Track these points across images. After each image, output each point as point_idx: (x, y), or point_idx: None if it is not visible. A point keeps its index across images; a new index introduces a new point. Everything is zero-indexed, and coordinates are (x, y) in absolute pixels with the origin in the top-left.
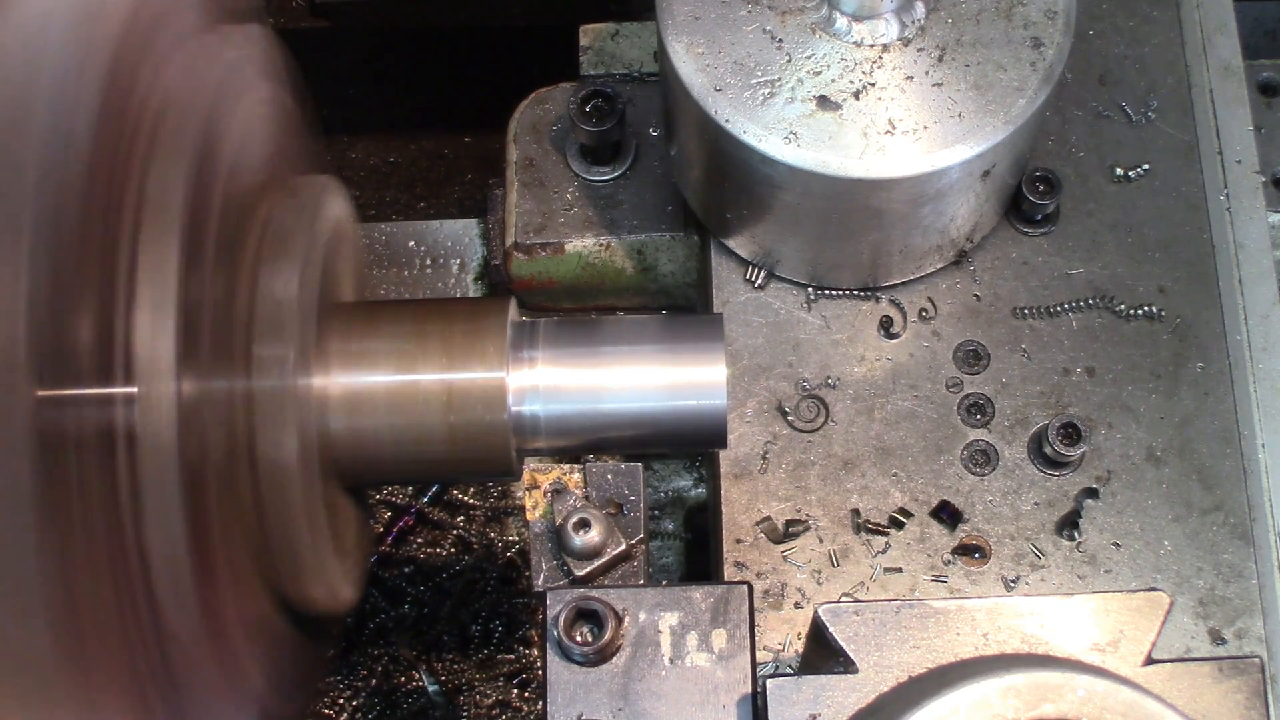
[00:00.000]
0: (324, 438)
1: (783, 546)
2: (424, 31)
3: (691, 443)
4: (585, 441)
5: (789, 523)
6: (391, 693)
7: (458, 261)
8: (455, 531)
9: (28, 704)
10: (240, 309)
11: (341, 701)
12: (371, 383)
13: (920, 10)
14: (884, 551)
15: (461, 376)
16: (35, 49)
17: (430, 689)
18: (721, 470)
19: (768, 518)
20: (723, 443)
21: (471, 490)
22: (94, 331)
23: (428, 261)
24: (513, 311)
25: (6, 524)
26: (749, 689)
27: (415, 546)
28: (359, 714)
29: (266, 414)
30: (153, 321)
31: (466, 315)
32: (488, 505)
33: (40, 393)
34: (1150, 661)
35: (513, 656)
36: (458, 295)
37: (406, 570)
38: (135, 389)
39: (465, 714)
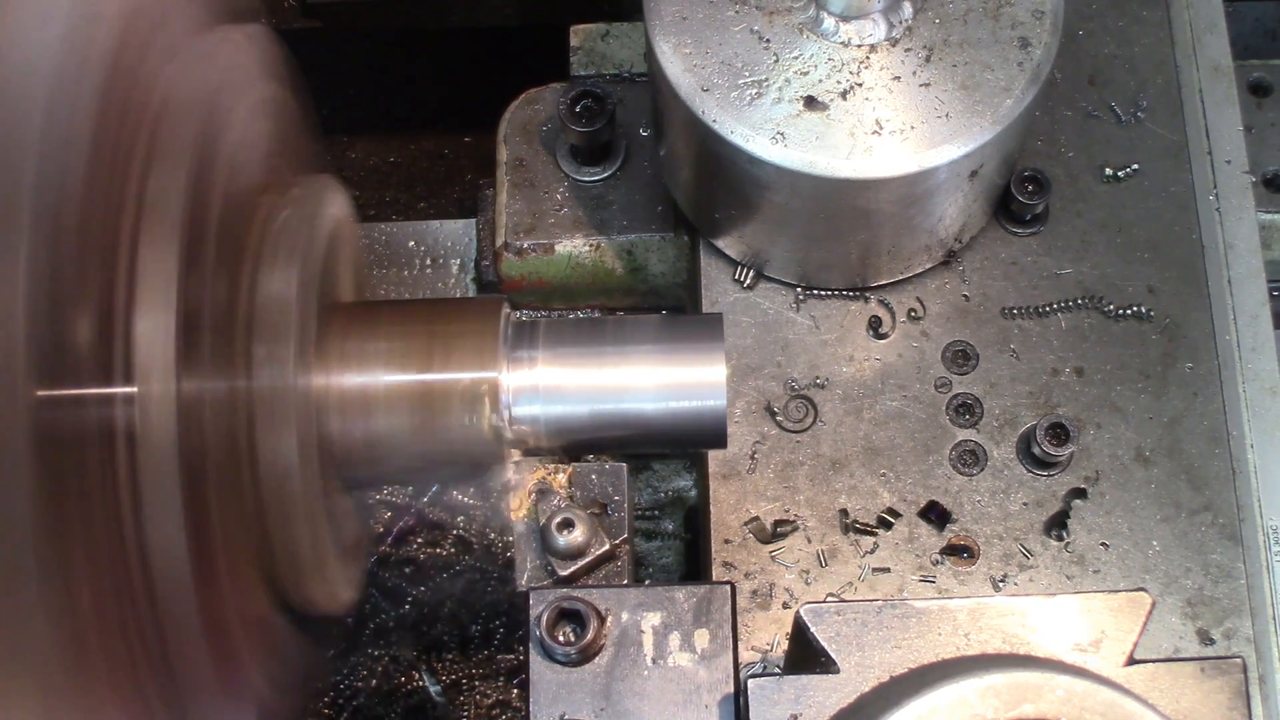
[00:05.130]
0: (324, 438)
1: (771, 546)
2: (419, 32)
3: (691, 443)
4: (585, 441)
5: (777, 523)
6: (391, 693)
7: (458, 261)
8: (455, 531)
9: (28, 704)
10: (240, 309)
11: (341, 702)
12: (371, 383)
13: (907, 10)
14: (872, 552)
15: (461, 376)
16: (35, 49)
17: (432, 689)
18: (710, 470)
19: (756, 518)
20: (723, 443)
21: (471, 490)
22: (94, 331)
23: (428, 261)
24: (511, 310)
25: (6, 524)
26: (731, 689)
27: (415, 546)
28: (359, 714)
29: (266, 414)
30: (153, 321)
31: (466, 315)
32: (488, 505)
33: (40, 393)
34: (1133, 662)
35: (512, 656)
36: (458, 295)
37: (406, 570)
38: (135, 389)
39: (465, 714)
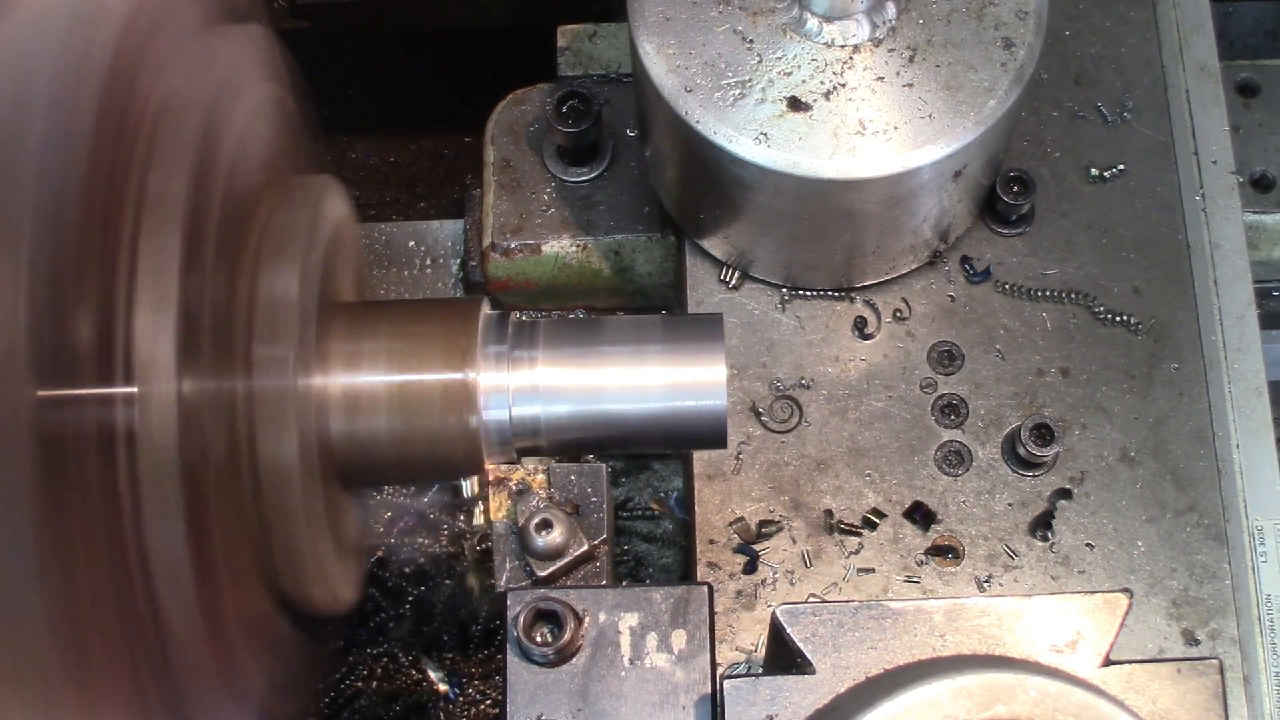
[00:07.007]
0: (324, 438)
1: (756, 547)
2: (411, 33)
3: (691, 443)
4: (585, 441)
5: (762, 523)
6: (391, 692)
7: (458, 261)
8: (455, 531)
9: (28, 704)
10: (240, 309)
11: (342, 701)
12: (371, 383)
13: (891, 11)
14: (857, 552)
15: (441, 377)
16: (35, 49)
17: (437, 680)
18: (695, 470)
19: (741, 518)
20: (723, 443)
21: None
22: (94, 331)
23: (428, 261)
24: (492, 310)
25: (6, 524)
26: (708, 689)
27: (415, 546)
28: (359, 714)
29: (266, 414)
30: (153, 321)
31: (449, 315)
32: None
33: (40, 393)
34: (1109, 663)
35: None
36: (458, 295)
37: (407, 570)
38: (135, 389)
39: (464, 714)
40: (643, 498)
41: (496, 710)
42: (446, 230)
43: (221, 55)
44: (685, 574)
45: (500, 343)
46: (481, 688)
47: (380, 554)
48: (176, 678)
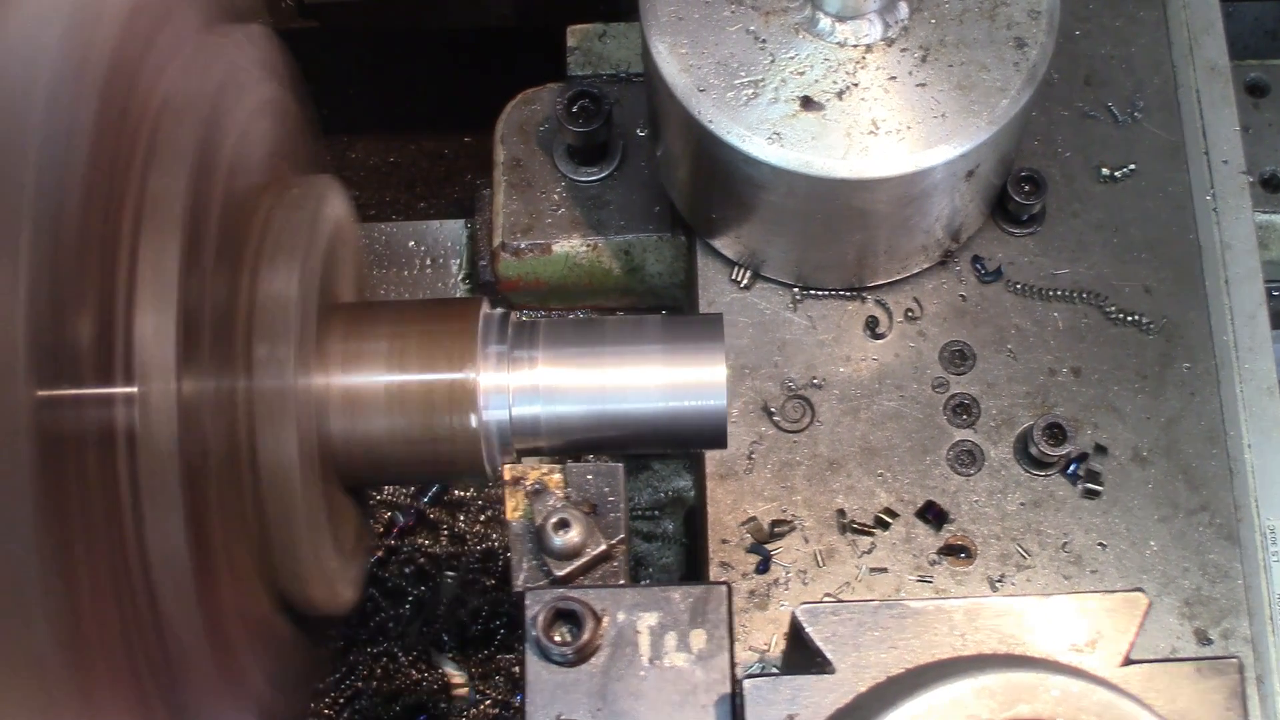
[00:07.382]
0: (324, 438)
1: (768, 547)
2: (417, 33)
3: (691, 443)
4: (585, 441)
5: (774, 523)
6: (391, 692)
7: (458, 261)
8: (455, 531)
9: (28, 704)
10: (240, 309)
11: (343, 701)
12: (371, 383)
13: (904, 10)
14: (869, 552)
15: (441, 377)
16: (35, 49)
17: (456, 677)
18: (707, 470)
19: (753, 518)
20: (723, 443)
21: (472, 489)
22: (94, 331)
23: (428, 261)
24: (491, 309)
25: (6, 524)
26: (728, 689)
27: (415, 546)
28: (359, 714)
29: (266, 414)
30: (153, 321)
31: (449, 315)
32: (488, 504)
33: (40, 393)
34: (1129, 662)
35: (513, 656)
36: (458, 295)
37: (406, 570)
38: (135, 389)
39: (465, 715)
40: (642, 498)
41: (497, 711)
42: (447, 230)
43: (222, 55)
44: (686, 573)
45: (500, 342)
46: (481, 687)
47: (380, 554)
48: (176, 677)
